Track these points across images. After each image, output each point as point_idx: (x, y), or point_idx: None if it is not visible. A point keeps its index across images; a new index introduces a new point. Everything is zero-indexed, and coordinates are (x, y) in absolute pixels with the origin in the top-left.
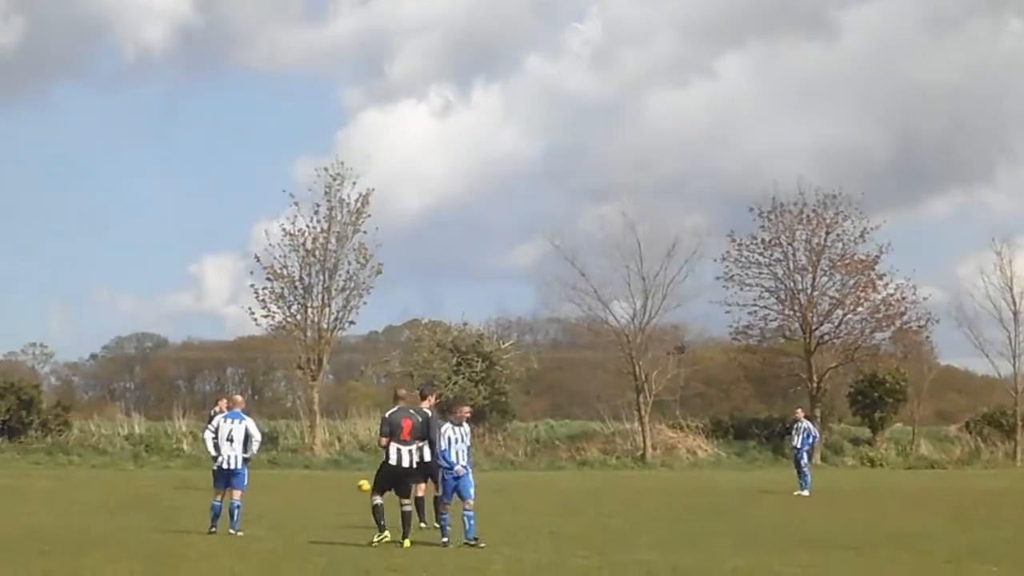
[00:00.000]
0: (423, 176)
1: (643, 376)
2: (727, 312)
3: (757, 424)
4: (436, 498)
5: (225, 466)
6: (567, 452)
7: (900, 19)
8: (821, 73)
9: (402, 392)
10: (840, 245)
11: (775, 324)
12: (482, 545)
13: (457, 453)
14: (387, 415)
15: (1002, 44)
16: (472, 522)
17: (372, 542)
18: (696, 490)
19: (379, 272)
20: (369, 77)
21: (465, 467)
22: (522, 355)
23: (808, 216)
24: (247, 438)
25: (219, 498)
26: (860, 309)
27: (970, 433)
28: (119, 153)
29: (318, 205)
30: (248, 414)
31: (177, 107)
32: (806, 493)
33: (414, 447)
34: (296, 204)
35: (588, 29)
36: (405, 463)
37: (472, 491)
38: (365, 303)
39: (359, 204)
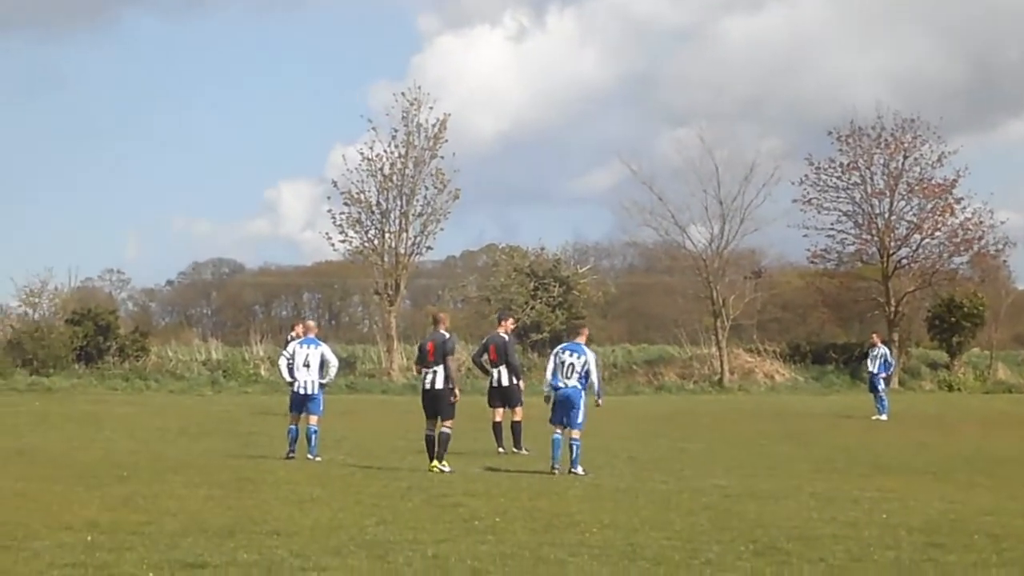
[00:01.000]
0: (499, 101)
1: (720, 301)
2: (804, 236)
3: (834, 349)
4: (514, 423)
5: (301, 391)
6: (644, 377)
7: None
8: None
9: (440, 316)
10: (918, 169)
11: (852, 248)
12: (589, 475)
13: (558, 374)
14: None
15: None
16: (578, 451)
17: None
18: (773, 415)
19: (456, 197)
20: (444, 2)
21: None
22: (599, 280)
23: (886, 140)
24: (323, 364)
25: (295, 423)
26: (938, 233)
27: None
28: (195, 80)
29: (395, 130)
30: (323, 340)
31: (253, 34)
32: (884, 417)
33: (438, 368)
34: (374, 129)
35: None
36: (427, 384)
37: (580, 420)
38: (442, 228)
39: (436, 129)
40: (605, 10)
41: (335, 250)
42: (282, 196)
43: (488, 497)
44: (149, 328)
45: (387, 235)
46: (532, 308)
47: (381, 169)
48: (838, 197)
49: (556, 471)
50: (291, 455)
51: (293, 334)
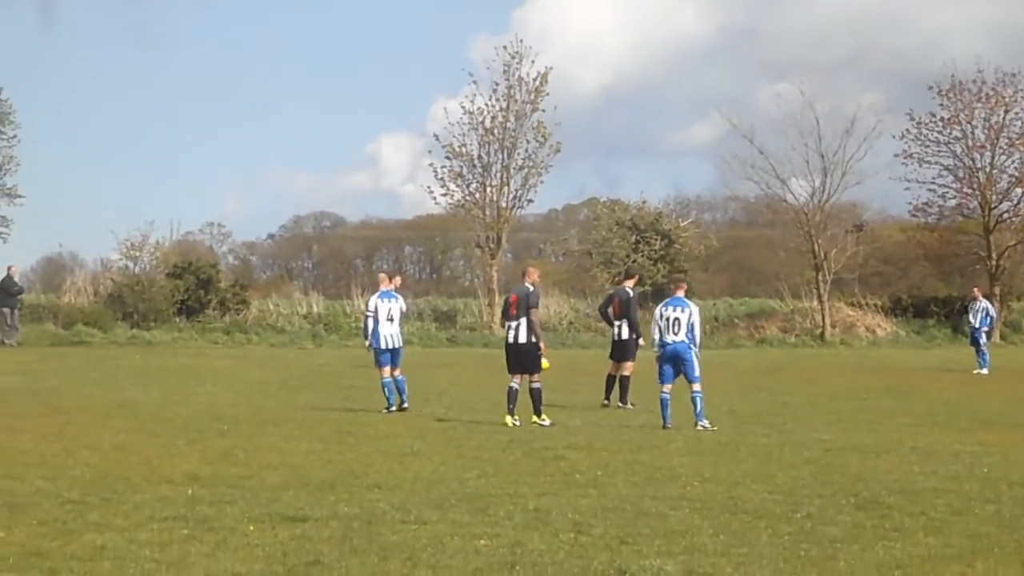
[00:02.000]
0: (600, 54)
1: (822, 254)
2: (906, 189)
3: (936, 302)
4: (622, 378)
5: (386, 346)
6: (746, 330)
7: None
8: None
9: (528, 269)
10: (1019, 123)
11: (954, 202)
12: (713, 428)
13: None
14: None
15: None
16: (701, 404)
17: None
18: (875, 369)
19: (557, 150)
20: None
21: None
22: (701, 233)
23: (987, 94)
24: (402, 317)
25: (389, 376)
26: None
27: None
28: (294, 34)
29: (496, 84)
30: (425, 293)
31: None
32: (985, 372)
33: (521, 321)
34: (475, 83)
35: None
36: (510, 338)
37: (696, 373)
38: (543, 182)
39: (537, 83)
40: None
41: (436, 204)
42: (383, 150)
43: (589, 451)
44: (250, 281)
45: (488, 188)
46: (634, 262)
47: (482, 122)
48: (939, 151)
49: (668, 428)
50: (393, 408)
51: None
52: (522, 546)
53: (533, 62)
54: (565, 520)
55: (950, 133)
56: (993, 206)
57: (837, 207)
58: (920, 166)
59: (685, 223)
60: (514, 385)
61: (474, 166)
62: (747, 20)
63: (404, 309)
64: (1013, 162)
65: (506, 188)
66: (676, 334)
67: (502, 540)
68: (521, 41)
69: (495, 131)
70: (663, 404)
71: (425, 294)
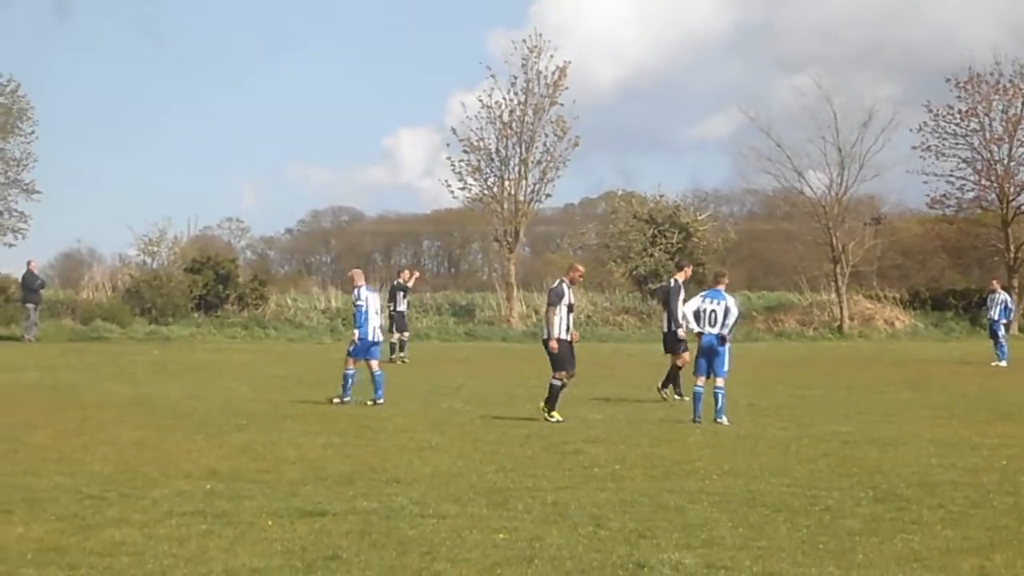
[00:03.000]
0: (618, 48)
1: (840, 247)
2: (924, 182)
3: (954, 295)
4: (672, 368)
5: (373, 338)
6: (764, 323)
7: None
8: None
9: (571, 264)
10: None
11: (972, 194)
12: (726, 423)
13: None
14: None
15: None
16: (723, 400)
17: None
18: (893, 361)
19: (576, 144)
20: None
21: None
22: (719, 226)
23: (1004, 86)
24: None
25: (354, 367)
26: None
27: None
28: (312, 27)
29: (515, 77)
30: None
31: None
32: (1004, 364)
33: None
34: (493, 76)
35: None
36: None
37: (725, 368)
38: (561, 176)
39: (556, 76)
40: None
41: (454, 197)
42: (400, 144)
43: (608, 444)
44: (268, 276)
45: (506, 182)
46: (651, 255)
47: (500, 116)
48: (957, 144)
49: (698, 422)
50: (347, 400)
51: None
52: (540, 540)
53: (551, 56)
54: (583, 514)
55: (968, 125)
56: (1011, 198)
57: (855, 200)
58: (938, 159)
59: (703, 216)
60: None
61: (492, 160)
62: (763, 14)
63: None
64: None
65: (524, 182)
66: (713, 326)
67: (520, 534)
68: (540, 35)
69: (513, 125)
70: (695, 397)
71: (443, 288)
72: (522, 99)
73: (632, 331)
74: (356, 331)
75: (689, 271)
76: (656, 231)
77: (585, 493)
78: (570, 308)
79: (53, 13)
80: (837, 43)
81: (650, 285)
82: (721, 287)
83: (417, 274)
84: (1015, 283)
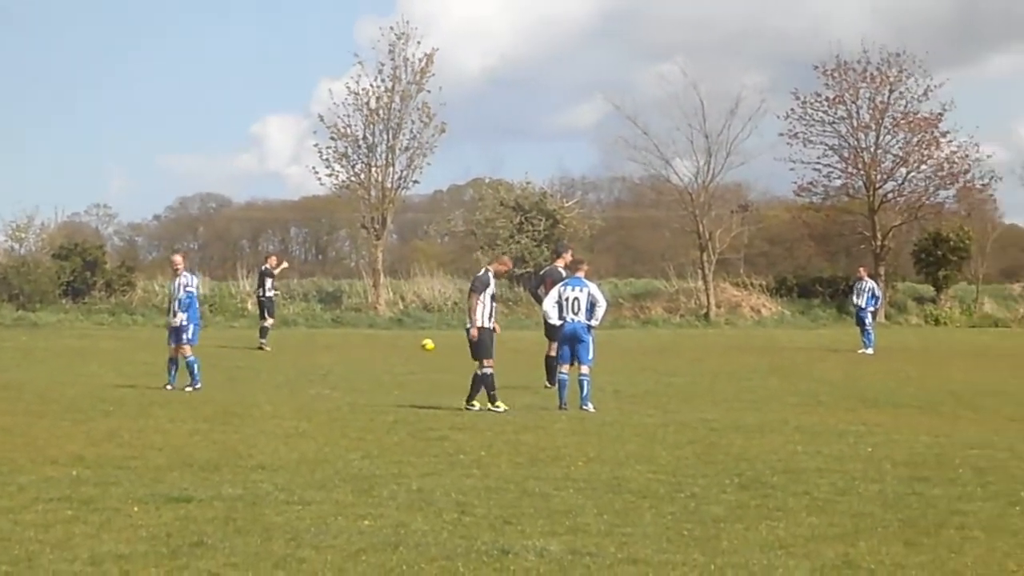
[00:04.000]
0: (485, 36)
1: (707, 234)
2: (791, 169)
3: (821, 282)
4: (549, 357)
5: (177, 323)
6: (631, 311)
7: None
8: None
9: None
10: (903, 103)
11: (839, 182)
12: (592, 410)
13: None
14: None
15: None
16: (588, 387)
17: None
18: (760, 348)
19: (443, 131)
20: None
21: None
22: (585, 213)
23: (872, 74)
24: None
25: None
26: (924, 167)
27: None
28: (177, 13)
29: (382, 64)
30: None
31: None
32: (870, 351)
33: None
34: (360, 63)
35: None
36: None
37: (590, 356)
38: (428, 163)
39: (423, 64)
40: None
41: (322, 184)
42: (268, 131)
43: (474, 431)
44: (136, 263)
45: (374, 169)
46: (517, 242)
47: (367, 103)
48: (824, 131)
49: (564, 409)
50: (199, 387)
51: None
52: (405, 526)
53: (419, 43)
54: (449, 500)
55: (835, 113)
56: (878, 186)
57: (722, 187)
58: (805, 146)
59: (569, 203)
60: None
61: (359, 147)
62: (630, 2)
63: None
64: (897, 142)
65: (391, 169)
66: (576, 314)
67: (386, 520)
68: (407, 22)
69: (380, 112)
70: (560, 384)
71: (311, 275)
72: (389, 86)
73: (499, 318)
74: (184, 315)
75: (569, 256)
76: (523, 218)
77: (450, 480)
78: (493, 297)
79: None
80: (705, 31)
81: (515, 271)
82: (581, 274)
83: (285, 264)
84: (881, 271)
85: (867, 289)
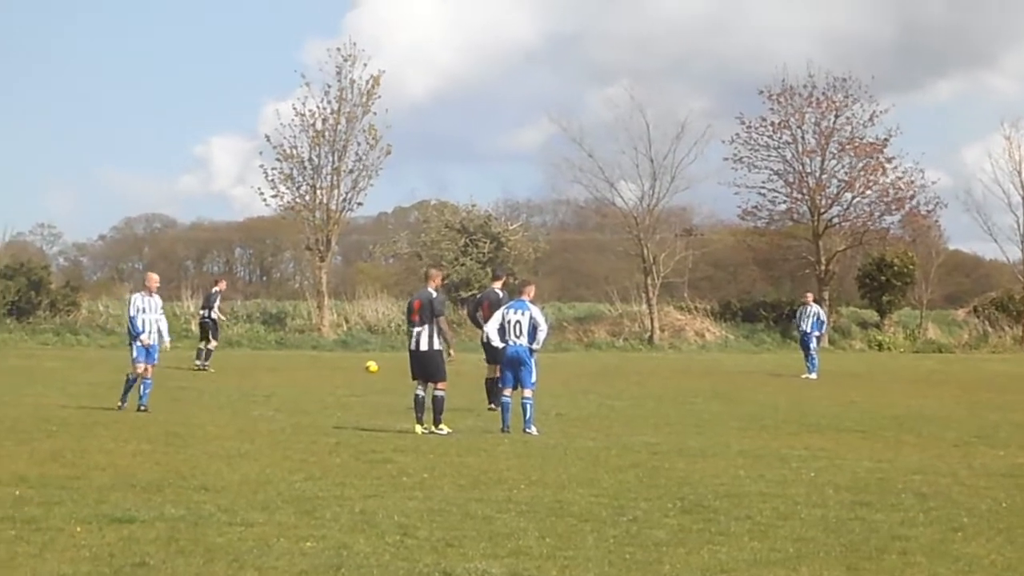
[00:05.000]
0: (431, 58)
1: (651, 258)
2: (736, 194)
3: (765, 307)
4: (488, 380)
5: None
6: (575, 334)
7: None
8: None
9: (432, 273)
10: (849, 128)
11: (784, 206)
12: (535, 433)
13: (507, 333)
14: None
15: None
16: (532, 411)
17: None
18: (703, 372)
19: (388, 153)
20: None
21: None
22: (530, 236)
23: (818, 99)
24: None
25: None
26: (869, 192)
27: (978, 317)
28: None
29: (328, 86)
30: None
31: None
32: (814, 376)
33: (423, 328)
34: (307, 85)
35: None
36: (412, 345)
37: (532, 379)
38: (373, 184)
39: (369, 86)
40: None
41: (267, 205)
42: (213, 151)
43: (417, 453)
44: (81, 283)
45: (319, 191)
46: (462, 264)
47: (313, 125)
48: (769, 156)
49: (507, 432)
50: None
51: (217, 289)
52: (348, 548)
53: (365, 65)
54: (391, 522)
55: (780, 137)
56: (823, 211)
57: (667, 211)
58: (750, 171)
59: (514, 226)
60: (419, 393)
61: (305, 168)
62: (575, 25)
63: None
64: (843, 167)
65: (336, 191)
66: (518, 337)
67: (328, 542)
68: (354, 44)
69: (326, 133)
70: (503, 407)
71: (255, 296)
72: (335, 108)
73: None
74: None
75: (505, 279)
76: (468, 240)
77: (393, 502)
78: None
79: None
80: (650, 55)
81: (460, 294)
82: (525, 298)
83: (224, 282)
84: (826, 295)
85: (812, 314)
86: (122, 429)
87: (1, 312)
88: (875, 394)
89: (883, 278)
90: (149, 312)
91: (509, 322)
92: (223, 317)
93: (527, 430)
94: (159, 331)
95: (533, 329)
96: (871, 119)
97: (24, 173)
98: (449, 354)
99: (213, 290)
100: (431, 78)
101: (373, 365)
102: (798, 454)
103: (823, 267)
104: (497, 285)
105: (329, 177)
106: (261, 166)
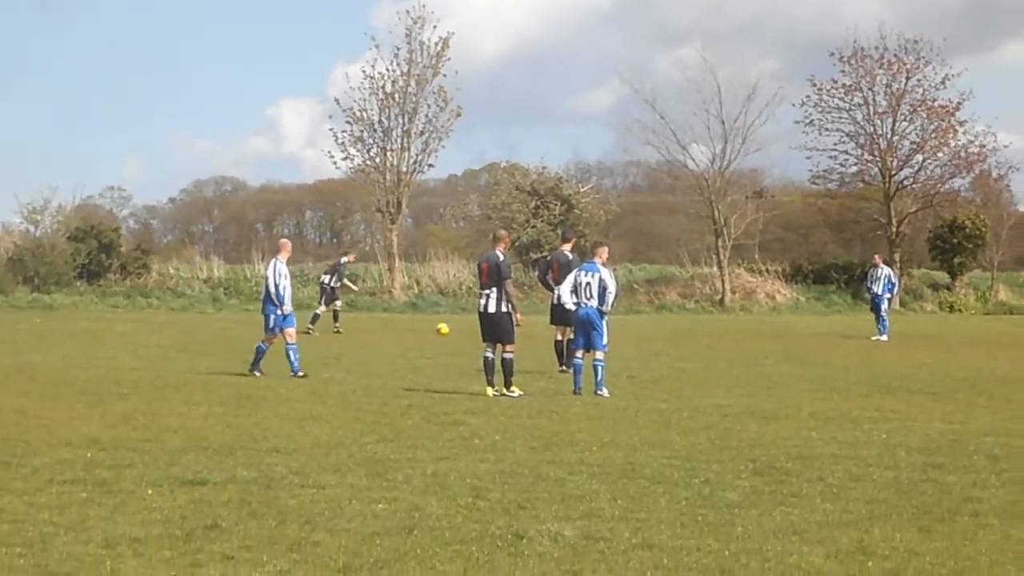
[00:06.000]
0: (500, 20)
1: (722, 220)
2: (807, 157)
3: (836, 269)
4: (557, 342)
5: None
6: (646, 296)
7: None
8: None
9: (500, 234)
10: (920, 91)
11: (855, 169)
12: (606, 395)
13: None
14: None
15: None
16: (603, 373)
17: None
18: (774, 334)
19: (458, 115)
20: None
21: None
22: (601, 199)
23: (889, 61)
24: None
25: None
26: (940, 155)
27: None
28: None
29: (398, 48)
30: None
31: None
32: (884, 338)
33: (491, 291)
34: (376, 47)
35: None
36: (480, 307)
37: (603, 341)
38: (444, 147)
39: (439, 47)
40: None
41: (337, 168)
42: (283, 114)
43: (488, 415)
44: (151, 246)
45: (389, 153)
46: (533, 227)
47: (383, 87)
48: (840, 118)
49: (578, 394)
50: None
51: (346, 260)
52: (420, 510)
53: (435, 27)
54: (463, 484)
55: (851, 100)
56: (894, 173)
57: (738, 173)
58: (820, 133)
59: (585, 188)
60: (488, 355)
61: (375, 131)
62: None
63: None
64: (914, 128)
65: (406, 153)
66: (589, 299)
67: (400, 504)
68: (424, 6)
69: (396, 96)
70: (576, 369)
71: (325, 259)
72: (405, 70)
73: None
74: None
75: (575, 241)
76: (539, 203)
77: (464, 464)
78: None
79: None
80: (720, 16)
81: (531, 256)
82: (597, 260)
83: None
84: (897, 258)
85: (883, 276)
86: (193, 392)
87: (72, 275)
88: (946, 356)
89: (954, 240)
90: (289, 279)
91: (580, 284)
92: (353, 287)
93: (598, 392)
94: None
95: (603, 291)
96: (943, 82)
97: (94, 136)
98: (517, 320)
99: (342, 260)
100: (502, 40)
101: (444, 327)
102: (869, 416)
103: (894, 229)
104: (567, 247)
105: (399, 139)
106: (331, 129)
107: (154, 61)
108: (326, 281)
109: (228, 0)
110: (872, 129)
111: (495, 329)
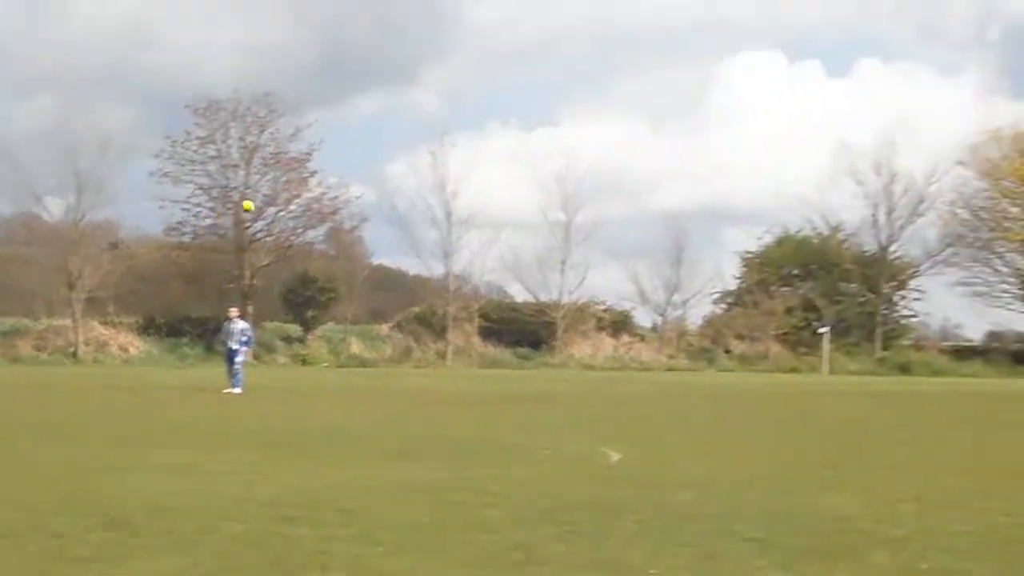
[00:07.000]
0: None
1: (76, 272)
2: (161, 208)
3: (190, 321)
4: None
5: None
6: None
7: None
8: None
9: None
10: (274, 144)
11: (208, 221)
12: None
13: None
14: None
15: None
16: None
17: None
18: (127, 387)
19: None
20: None
21: None
22: None
23: (242, 114)
24: None
25: None
26: (292, 207)
27: (402, 332)
28: None
29: None
30: None
31: None
32: (238, 391)
33: None
34: None
35: None
36: None
37: None
38: None
39: None
40: None
41: None
42: None
43: None
44: None
45: None
46: None
47: None
48: (195, 170)
49: None
50: None
51: None
52: None
53: None
54: None
55: (206, 152)
56: (247, 225)
57: (93, 225)
58: (176, 185)
59: None
60: None
61: None
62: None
63: None
64: (267, 181)
65: None
66: None
67: None
68: None
69: None
70: None
71: None
72: None
73: None
74: None
75: None
76: None
77: None
78: None
79: None
80: (76, 66)
81: None
82: None
83: None
84: (251, 310)
85: (239, 330)
86: None
87: None
88: (299, 409)
89: (307, 293)
90: None
91: None
92: None
93: None
94: None
95: None
96: (295, 134)
97: None
98: None
99: None
100: None
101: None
102: (221, 468)
103: (248, 281)
104: None
105: None
106: None
107: None
108: None
109: None
110: (225, 181)
111: None
